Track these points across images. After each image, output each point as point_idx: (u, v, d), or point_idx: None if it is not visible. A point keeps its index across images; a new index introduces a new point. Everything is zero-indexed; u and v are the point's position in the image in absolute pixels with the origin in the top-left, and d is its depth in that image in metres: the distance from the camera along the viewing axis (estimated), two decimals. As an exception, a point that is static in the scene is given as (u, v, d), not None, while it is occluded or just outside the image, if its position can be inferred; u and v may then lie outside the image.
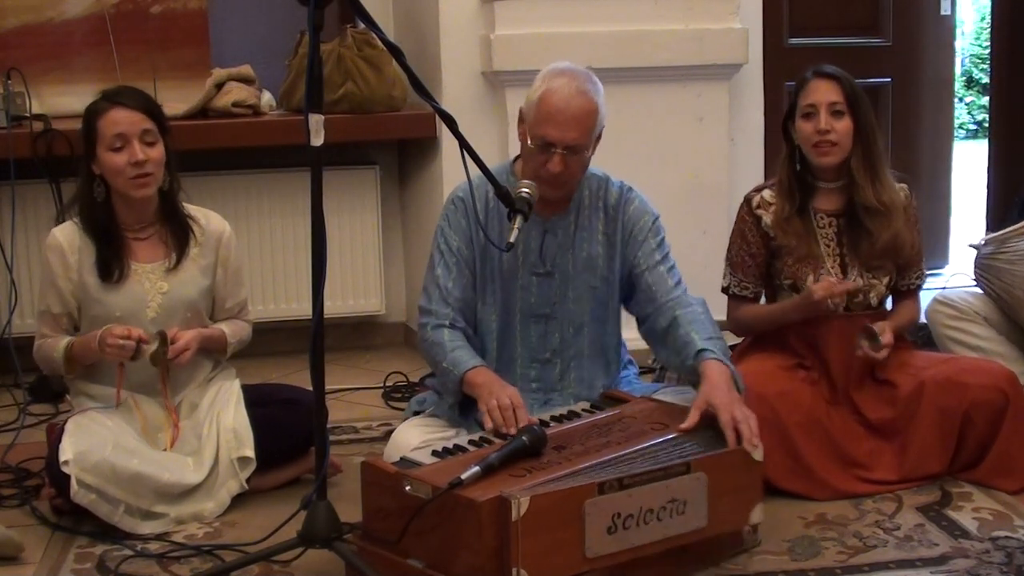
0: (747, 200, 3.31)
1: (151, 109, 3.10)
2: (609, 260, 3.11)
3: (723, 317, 3.37)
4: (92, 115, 3.07)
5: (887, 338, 3.11)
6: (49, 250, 3.11)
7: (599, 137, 3.03)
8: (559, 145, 2.92)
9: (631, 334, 3.25)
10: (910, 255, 3.26)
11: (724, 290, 3.33)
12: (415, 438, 2.99)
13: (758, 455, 2.72)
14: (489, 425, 2.78)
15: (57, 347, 3.10)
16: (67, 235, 3.11)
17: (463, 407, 2.99)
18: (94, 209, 3.09)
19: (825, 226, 3.23)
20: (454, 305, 3.04)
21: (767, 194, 3.28)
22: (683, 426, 2.75)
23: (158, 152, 3.07)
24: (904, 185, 3.28)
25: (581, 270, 3.10)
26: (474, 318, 3.11)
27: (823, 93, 3.17)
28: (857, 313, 3.20)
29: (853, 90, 3.17)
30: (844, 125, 3.15)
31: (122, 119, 3.04)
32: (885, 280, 3.23)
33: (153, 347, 3.00)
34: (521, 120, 3.04)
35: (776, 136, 4.79)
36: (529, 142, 2.97)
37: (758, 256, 3.27)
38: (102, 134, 3.03)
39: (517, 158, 3.12)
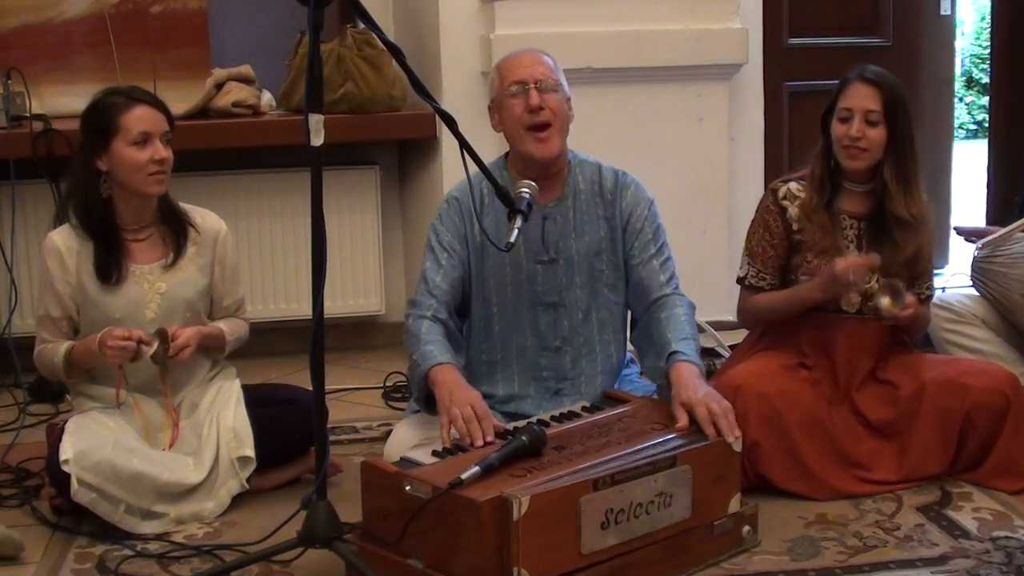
0: (772, 190, 3.29)
1: (168, 111, 3.12)
2: (612, 244, 3.12)
3: (726, 316, 3.37)
4: (110, 109, 3.05)
5: (910, 298, 3.09)
6: (47, 254, 3.10)
7: (568, 99, 3.08)
8: (530, 80, 3.01)
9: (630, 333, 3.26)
10: (925, 266, 3.26)
11: (740, 280, 3.31)
12: (413, 438, 2.99)
13: (737, 446, 2.74)
14: (446, 434, 2.73)
15: (58, 352, 3.09)
16: (64, 238, 3.10)
17: (429, 400, 2.95)
18: (93, 208, 3.09)
19: (847, 227, 3.22)
20: (440, 297, 3.04)
21: (793, 186, 3.26)
22: (678, 426, 2.76)
23: (171, 154, 3.08)
24: (925, 196, 3.27)
25: (585, 255, 3.11)
26: (462, 311, 3.12)
27: (861, 99, 3.14)
28: (868, 317, 3.19)
29: (893, 98, 3.14)
30: (877, 133, 3.13)
31: (148, 116, 3.05)
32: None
33: (153, 348, 3.00)
34: (494, 110, 3.11)
35: (776, 136, 4.85)
36: (505, 100, 3.03)
37: (779, 247, 3.25)
38: (126, 129, 3.03)
39: (507, 154, 3.14)
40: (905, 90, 3.20)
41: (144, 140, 3.03)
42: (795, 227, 3.23)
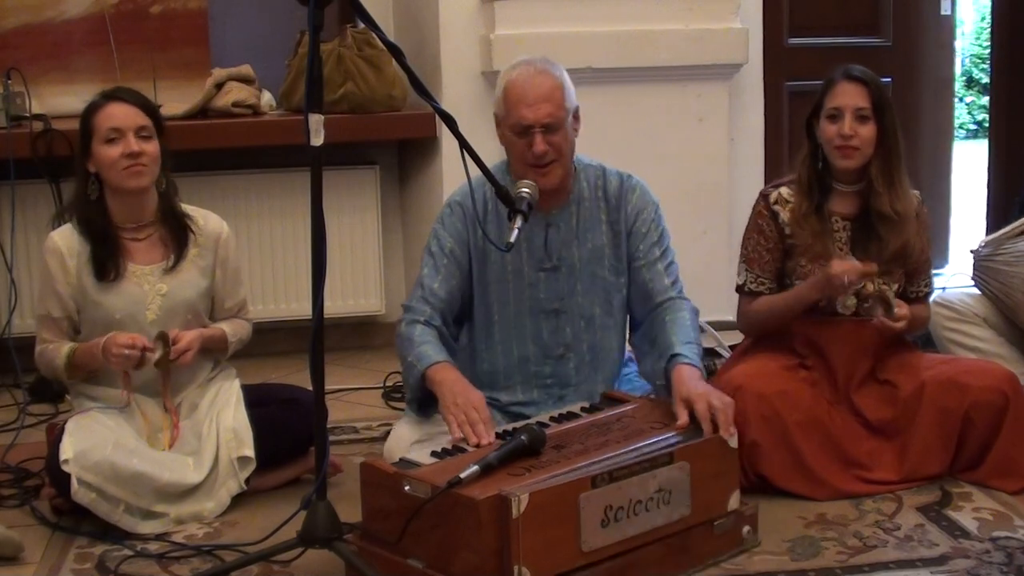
0: (764, 196, 3.29)
1: (148, 107, 3.12)
2: (615, 249, 3.12)
3: (727, 316, 3.37)
4: (89, 111, 3.09)
5: (903, 310, 3.10)
6: (47, 254, 3.11)
7: (577, 116, 3.05)
8: (536, 124, 2.94)
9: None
10: (918, 262, 3.25)
11: (739, 288, 3.30)
12: (412, 434, 2.99)
13: (733, 442, 2.74)
14: (456, 435, 2.75)
15: (60, 353, 3.09)
16: (65, 238, 3.11)
17: (422, 404, 2.96)
18: (88, 208, 3.10)
19: (839, 229, 3.22)
20: (434, 304, 3.03)
21: (784, 191, 3.26)
22: (679, 424, 2.76)
23: (153, 147, 3.08)
24: (916, 192, 3.27)
25: (588, 262, 3.10)
26: (459, 319, 3.11)
27: (850, 97, 3.14)
28: (865, 318, 3.19)
29: (880, 95, 3.15)
30: (868, 130, 3.13)
31: (118, 112, 3.06)
32: (894, 287, 3.22)
33: (158, 355, 3.01)
34: (498, 124, 3.07)
35: (776, 136, 4.85)
36: (508, 133, 3.00)
37: (775, 251, 3.25)
38: (98, 127, 3.05)
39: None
40: (887, 89, 3.20)
41: (115, 136, 3.04)
42: (787, 231, 3.23)
